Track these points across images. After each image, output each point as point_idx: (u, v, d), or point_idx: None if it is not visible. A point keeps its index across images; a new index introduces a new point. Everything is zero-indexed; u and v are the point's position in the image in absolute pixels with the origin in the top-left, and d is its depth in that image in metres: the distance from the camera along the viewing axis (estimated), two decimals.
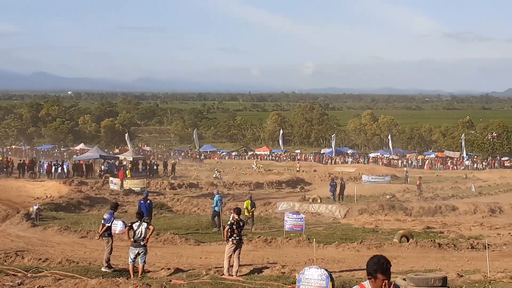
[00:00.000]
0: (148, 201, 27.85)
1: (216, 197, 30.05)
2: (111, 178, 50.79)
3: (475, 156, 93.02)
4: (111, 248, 18.18)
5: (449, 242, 24.71)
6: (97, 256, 19.99)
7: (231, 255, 17.34)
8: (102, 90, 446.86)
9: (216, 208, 29.26)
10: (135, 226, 16.95)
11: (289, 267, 18.28)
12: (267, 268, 18.41)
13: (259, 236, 25.31)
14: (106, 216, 18.40)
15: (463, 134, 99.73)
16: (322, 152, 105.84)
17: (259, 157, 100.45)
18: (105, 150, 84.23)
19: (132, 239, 16.91)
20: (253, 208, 29.93)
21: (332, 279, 13.31)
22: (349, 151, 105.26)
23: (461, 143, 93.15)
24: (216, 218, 28.97)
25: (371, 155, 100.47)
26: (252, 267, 18.46)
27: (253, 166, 52.82)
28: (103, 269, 17.76)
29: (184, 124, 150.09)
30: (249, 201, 29.93)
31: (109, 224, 18.22)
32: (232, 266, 17.28)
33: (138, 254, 16.88)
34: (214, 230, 28.28)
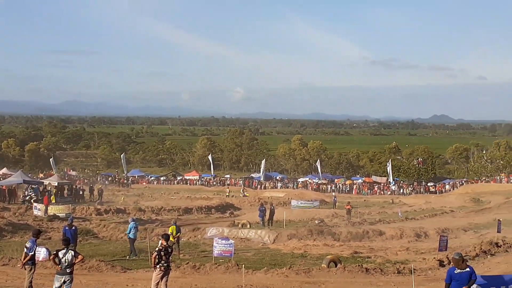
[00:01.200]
0: (73, 227, 27.13)
1: (131, 224, 29.42)
2: (35, 204, 49.39)
3: (401, 182, 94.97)
4: (32, 276, 17.54)
5: (376, 267, 24.97)
6: (19, 284, 19.25)
7: (158, 282, 17.01)
8: (26, 113, 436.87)
9: (131, 235, 28.79)
10: (60, 254, 16.38)
11: None
12: None
13: (187, 263, 24.99)
14: (28, 244, 17.73)
15: (390, 159, 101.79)
16: (251, 176, 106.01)
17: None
18: (29, 174, 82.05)
19: (58, 267, 16.36)
20: (178, 234, 29.48)
21: None
22: (279, 176, 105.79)
23: (388, 168, 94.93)
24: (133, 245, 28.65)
25: (300, 180, 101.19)
26: None
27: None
28: None
29: (111, 148, 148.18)
30: (174, 226, 29.49)
31: (32, 253, 17.58)
32: None
33: (64, 282, 16.33)
34: (133, 258, 27.81)
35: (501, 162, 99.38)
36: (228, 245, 25.86)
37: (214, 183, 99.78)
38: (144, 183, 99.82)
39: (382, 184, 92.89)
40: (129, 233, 29.01)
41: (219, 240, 26.76)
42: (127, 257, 27.96)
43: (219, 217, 52.64)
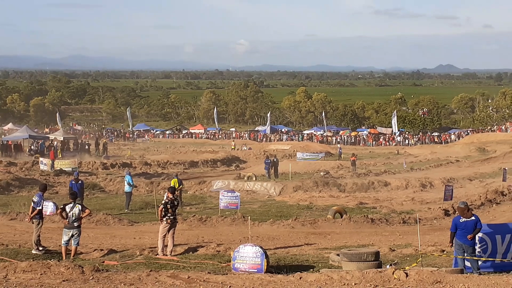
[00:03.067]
0: (80, 182, 27.34)
1: (129, 177, 29.56)
2: (41, 159, 49.50)
3: (407, 132, 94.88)
4: (40, 230, 17.68)
5: (382, 217, 25.13)
6: (27, 238, 19.42)
7: (165, 235, 17.11)
8: (30, 68, 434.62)
9: (128, 188, 28.96)
10: (68, 208, 16.49)
11: (224, 246, 18.20)
12: (202, 247, 18.24)
13: (194, 215, 25.18)
14: (35, 199, 17.80)
15: (395, 110, 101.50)
16: (257, 129, 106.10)
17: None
18: (35, 129, 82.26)
19: (66, 221, 16.47)
20: (181, 186, 29.58)
21: (267, 256, 13.33)
22: (284, 129, 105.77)
23: (393, 119, 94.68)
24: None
25: (306, 132, 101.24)
26: (187, 246, 18.26)
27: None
28: (33, 251, 17.26)
29: (116, 103, 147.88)
30: (176, 179, 29.62)
31: (40, 208, 17.68)
32: (167, 245, 17.05)
33: (72, 236, 16.49)
34: (125, 211, 28.07)
35: (507, 111, 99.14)
36: (234, 198, 26.01)
37: (220, 136, 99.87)
38: (149, 137, 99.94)
39: (388, 135, 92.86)
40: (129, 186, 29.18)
41: (225, 192, 26.91)
42: (125, 211, 28.22)
43: (225, 170, 52.78)
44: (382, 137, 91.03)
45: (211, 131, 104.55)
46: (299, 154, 60.80)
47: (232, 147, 75.89)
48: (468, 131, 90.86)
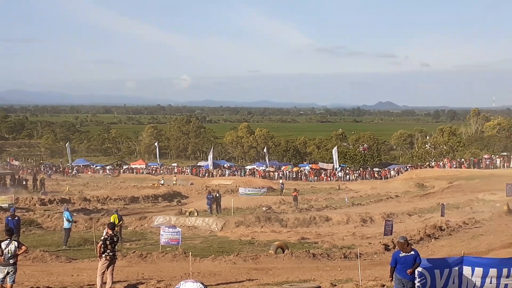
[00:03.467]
0: (16, 218, 26.62)
1: (67, 213, 29.06)
2: None
3: (348, 168, 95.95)
4: None
5: (323, 252, 25.22)
6: None
7: (104, 272, 16.77)
8: None
9: (67, 224, 28.45)
10: (3, 244, 15.97)
11: (165, 282, 17.94)
12: (142, 283, 17.95)
13: (134, 251, 24.79)
14: None
15: (336, 146, 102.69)
16: (199, 165, 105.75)
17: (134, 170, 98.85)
18: None
19: (1, 258, 15.94)
20: (121, 222, 29.13)
21: None
22: (226, 164, 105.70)
23: (334, 155, 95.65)
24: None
25: (248, 167, 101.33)
26: (126, 283, 17.94)
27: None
28: None
29: (55, 138, 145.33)
30: (116, 215, 29.20)
31: None
32: (105, 283, 16.73)
33: (8, 273, 15.95)
34: (63, 248, 27.50)
35: (445, 147, 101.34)
36: (175, 233, 25.70)
37: (161, 171, 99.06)
38: (89, 172, 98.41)
39: (329, 170, 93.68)
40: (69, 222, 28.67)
41: (166, 228, 26.57)
42: (63, 247, 27.65)
43: (166, 205, 52.35)
44: (323, 173, 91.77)
45: (152, 166, 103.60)
46: (241, 189, 60.75)
47: (174, 182, 75.31)
48: (407, 167, 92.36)
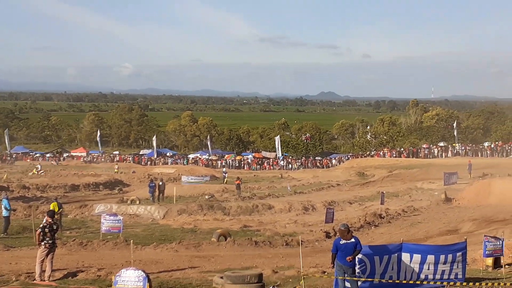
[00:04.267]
0: None
1: (5, 201, 28.58)
2: None
3: (290, 157, 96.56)
4: None
5: (265, 240, 25.37)
6: None
7: (43, 260, 16.52)
8: None
9: (5, 212, 27.97)
10: None
11: (105, 270, 17.78)
12: (82, 271, 17.76)
13: (74, 239, 24.46)
14: None
15: (278, 135, 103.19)
16: (141, 153, 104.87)
17: (75, 158, 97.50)
18: None
19: None
20: (60, 210, 28.74)
21: (149, 280, 13.09)
22: (169, 153, 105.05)
23: (276, 144, 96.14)
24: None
25: (191, 156, 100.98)
26: (66, 271, 17.70)
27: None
28: None
29: None
30: (55, 203, 28.81)
31: None
32: (45, 271, 16.48)
33: None
34: (2, 236, 27.00)
35: (385, 137, 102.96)
36: (117, 221, 25.43)
37: (102, 159, 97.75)
38: (28, 160, 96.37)
39: (272, 159, 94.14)
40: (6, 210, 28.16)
41: (107, 216, 26.26)
42: (1, 235, 27.14)
43: (107, 193, 51.76)
44: (266, 161, 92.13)
45: (93, 154, 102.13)
46: (184, 177, 60.48)
47: (116, 170, 74.48)
48: (348, 156, 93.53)
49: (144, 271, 13.27)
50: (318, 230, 28.33)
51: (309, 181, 62.57)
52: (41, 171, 70.54)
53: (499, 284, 14.81)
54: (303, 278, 14.48)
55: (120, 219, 25.68)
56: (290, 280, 16.30)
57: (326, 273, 16.53)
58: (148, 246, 23.52)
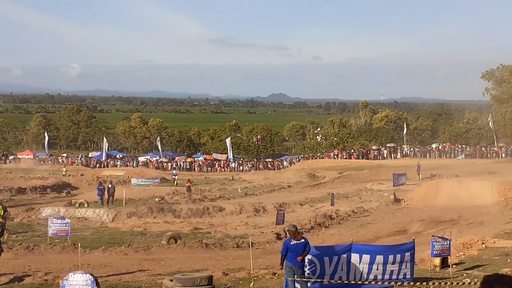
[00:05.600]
0: None
1: None
2: None
3: (241, 159, 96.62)
4: None
5: (216, 242, 25.30)
6: None
7: None
8: None
9: None
10: None
11: (52, 274, 17.47)
12: (29, 276, 17.44)
13: (20, 243, 23.96)
14: None
15: (229, 137, 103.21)
16: (90, 155, 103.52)
17: (21, 160, 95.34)
18: None
19: None
20: (6, 213, 28.03)
21: (97, 284, 12.87)
22: (119, 155, 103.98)
23: (228, 146, 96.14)
24: None
25: (141, 158, 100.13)
26: (12, 276, 17.38)
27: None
28: None
29: None
30: (0, 206, 28.07)
31: None
32: None
33: None
34: None
35: (335, 139, 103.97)
36: (64, 225, 24.97)
37: (50, 162, 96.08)
38: None
39: (223, 161, 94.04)
40: None
41: (54, 219, 25.78)
42: None
43: (55, 197, 50.88)
44: (217, 163, 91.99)
45: (40, 157, 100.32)
46: (134, 180, 59.88)
47: (63, 173, 73.27)
48: (299, 158, 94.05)
49: (92, 275, 13.05)
50: (269, 231, 28.38)
51: (260, 182, 62.61)
52: None
53: (446, 283, 15.04)
54: (254, 280, 14.47)
55: (68, 223, 25.23)
56: (241, 282, 16.26)
57: (276, 275, 16.54)
58: (97, 250, 23.20)
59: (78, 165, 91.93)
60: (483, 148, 77.95)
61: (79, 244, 19.91)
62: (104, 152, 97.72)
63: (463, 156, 76.00)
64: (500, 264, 18.14)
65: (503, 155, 73.61)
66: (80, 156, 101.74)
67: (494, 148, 76.97)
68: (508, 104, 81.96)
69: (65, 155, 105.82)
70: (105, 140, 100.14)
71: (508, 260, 18.71)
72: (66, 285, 12.78)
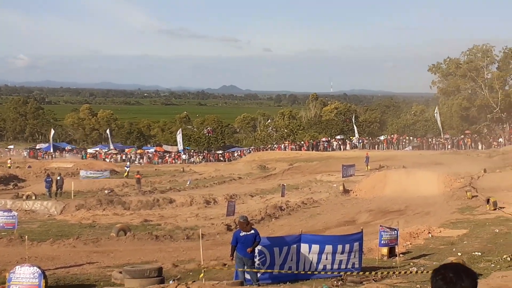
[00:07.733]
0: None
1: None
2: None
3: (192, 150, 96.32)
4: None
5: (166, 234, 25.23)
6: None
7: None
8: None
9: None
10: None
11: None
12: None
13: None
14: None
15: (180, 129, 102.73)
16: (37, 147, 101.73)
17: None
18: None
19: None
20: None
21: (45, 277, 12.76)
22: (67, 147, 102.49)
23: (178, 137, 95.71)
24: None
25: (90, 150, 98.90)
26: None
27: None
28: None
29: None
30: None
31: None
32: None
33: None
34: None
35: (285, 130, 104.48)
36: (11, 217, 24.48)
37: None
38: None
39: (173, 153, 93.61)
40: None
41: (0, 212, 25.28)
42: None
43: (1, 189, 49.89)
44: (167, 155, 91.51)
45: None
46: (83, 172, 59.20)
47: (8, 165, 71.81)
48: (250, 150, 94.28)
49: (39, 268, 12.92)
50: (219, 223, 28.44)
51: (211, 174, 62.61)
52: None
53: (394, 273, 15.33)
54: (204, 271, 14.49)
55: (14, 215, 24.76)
56: (191, 273, 16.28)
57: (226, 266, 16.60)
58: (45, 242, 22.90)
59: (25, 157, 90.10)
60: (430, 140, 79.47)
61: (26, 236, 19.64)
62: (50, 144, 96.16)
63: (411, 148, 77.40)
64: (445, 253, 18.55)
65: (449, 147, 75.18)
66: (24, 149, 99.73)
67: (441, 140, 78.53)
68: (454, 97, 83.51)
69: (11, 147, 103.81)
70: (52, 131, 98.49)
71: (454, 249, 19.16)
72: (13, 278, 12.64)
